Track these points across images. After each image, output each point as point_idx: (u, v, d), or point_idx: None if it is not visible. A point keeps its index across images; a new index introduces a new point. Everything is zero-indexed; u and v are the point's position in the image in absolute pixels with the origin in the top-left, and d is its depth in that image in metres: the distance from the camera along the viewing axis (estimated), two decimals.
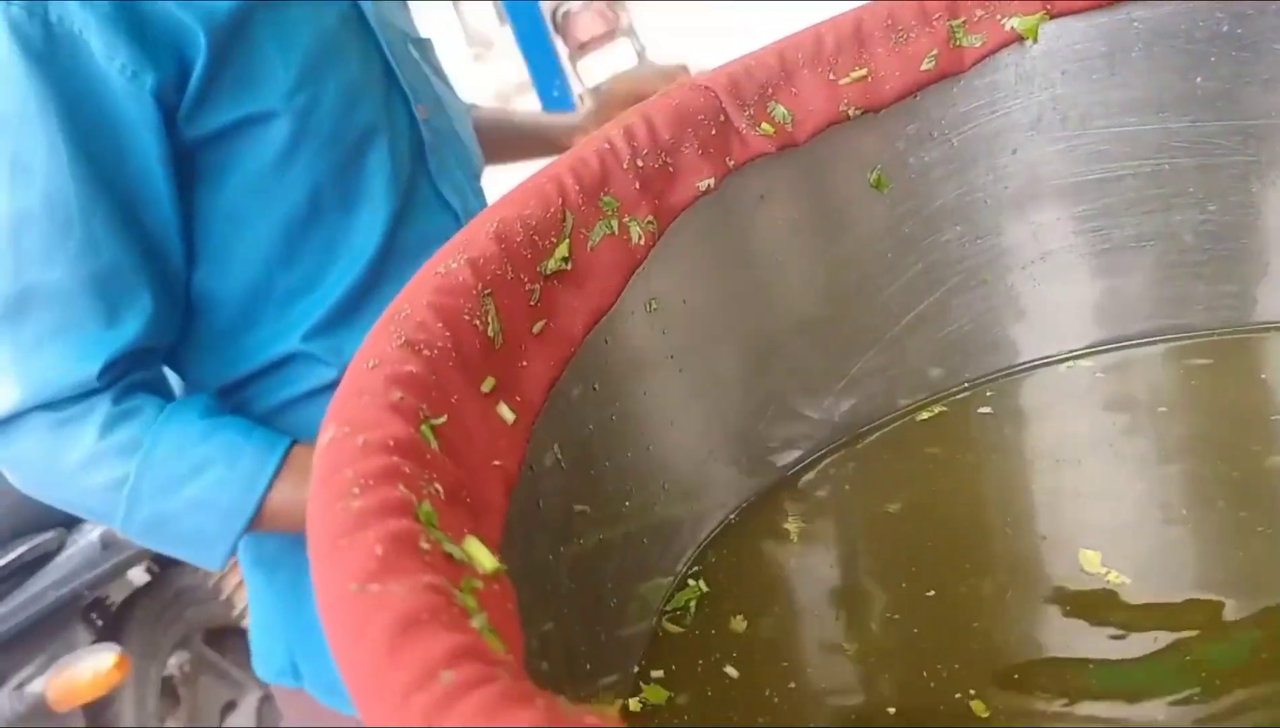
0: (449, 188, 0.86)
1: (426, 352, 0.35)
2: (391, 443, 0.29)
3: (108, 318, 0.68)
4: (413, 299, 0.37)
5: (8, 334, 0.68)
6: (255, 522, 0.70)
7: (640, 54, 4.75)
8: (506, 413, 0.38)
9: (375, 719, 0.18)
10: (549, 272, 0.44)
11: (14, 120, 0.67)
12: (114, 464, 0.68)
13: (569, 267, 0.45)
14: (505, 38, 5.91)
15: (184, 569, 1.78)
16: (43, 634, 1.51)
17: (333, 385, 0.78)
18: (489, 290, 0.40)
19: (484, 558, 0.26)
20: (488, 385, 0.38)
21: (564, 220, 0.46)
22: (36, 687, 1.42)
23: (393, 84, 0.83)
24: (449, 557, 0.25)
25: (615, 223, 0.48)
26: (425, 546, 0.25)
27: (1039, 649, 0.42)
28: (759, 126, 0.53)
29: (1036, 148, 0.57)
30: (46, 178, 0.67)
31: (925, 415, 0.56)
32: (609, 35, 4.71)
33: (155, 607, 1.74)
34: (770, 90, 0.54)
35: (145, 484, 0.68)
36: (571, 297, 0.45)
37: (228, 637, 1.88)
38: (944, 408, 0.56)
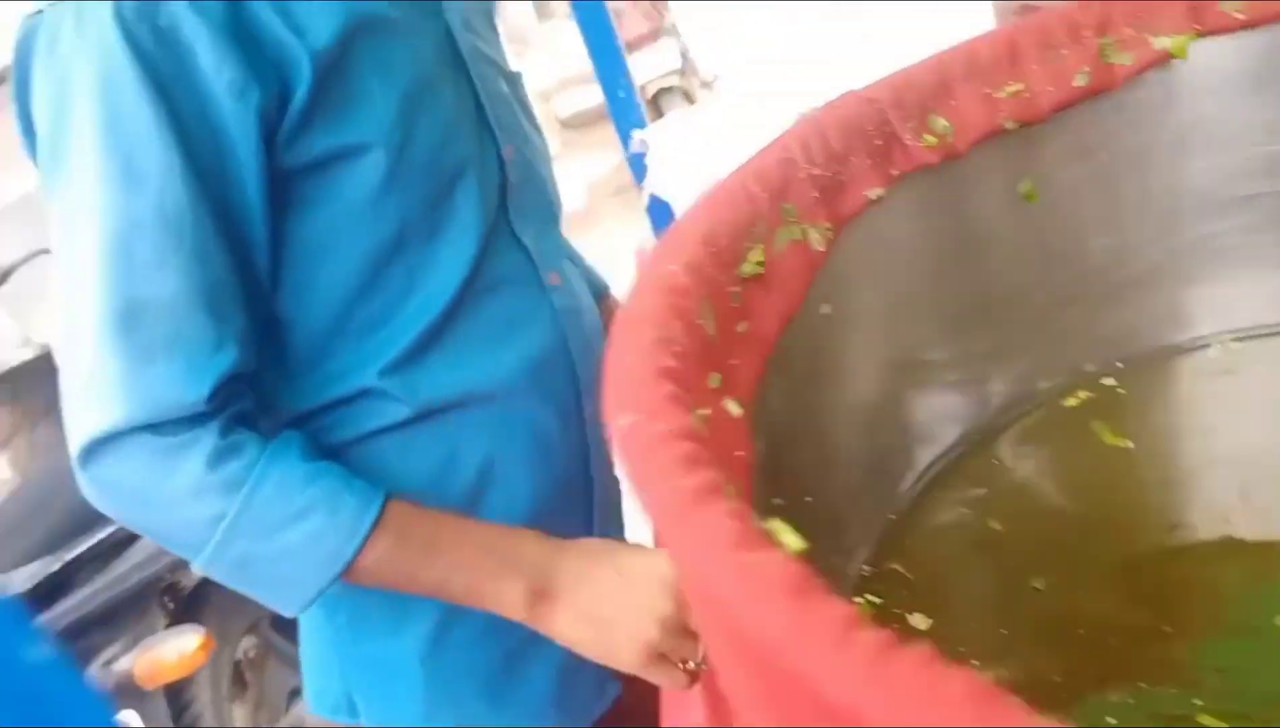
0: (524, 228, 0.84)
1: (676, 348, 0.37)
2: (683, 431, 0.31)
3: (216, 337, 0.67)
4: (650, 299, 0.40)
5: (116, 347, 0.65)
6: (344, 573, 0.69)
7: (684, 54, 4.77)
8: (734, 407, 0.40)
9: (811, 662, 0.21)
10: (746, 275, 0.47)
11: (128, 123, 0.65)
12: (216, 500, 0.66)
13: (762, 270, 0.48)
14: (542, 36, 5.93)
15: None
16: (125, 615, 1.54)
17: (402, 426, 0.77)
18: (705, 292, 0.43)
19: (791, 539, 0.29)
20: (714, 381, 0.40)
21: (755, 226, 0.49)
22: (124, 664, 1.45)
23: (483, 120, 0.81)
24: (765, 533, 0.28)
25: (797, 229, 0.50)
26: (754, 523, 0.27)
27: None
28: (922, 137, 0.55)
29: (1183, 164, 0.59)
30: (160, 184, 0.65)
31: (1074, 401, 0.59)
32: (653, 34, 4.73)
33: (227, 591, 1.77)
34: (931, 103, 0.56)
35: (243, 524, 0.66)
36: (765, 299, 0.47)
37: (295, 624, 1.91)
38: (1091, 393, 0.59)
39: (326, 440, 0.77)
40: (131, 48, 0.64)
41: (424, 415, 0.77)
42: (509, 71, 0.90)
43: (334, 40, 0.70)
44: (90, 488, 0.68)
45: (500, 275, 0.81)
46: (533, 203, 0.87)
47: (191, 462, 0.66)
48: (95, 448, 0.65)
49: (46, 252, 0.77)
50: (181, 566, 1.67)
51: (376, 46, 0.73)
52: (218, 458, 0.66)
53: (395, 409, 0.77)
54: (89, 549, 1.54)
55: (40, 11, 0.67)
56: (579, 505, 0.87)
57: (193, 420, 0.66)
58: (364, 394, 0.76)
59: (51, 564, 1.56)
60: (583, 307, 0.88)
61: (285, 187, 0.71)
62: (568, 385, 0.85)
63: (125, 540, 1.59)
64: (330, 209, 0.73)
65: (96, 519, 1.54)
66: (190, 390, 0.66)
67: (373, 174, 0.72)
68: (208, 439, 0.66)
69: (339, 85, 0.71)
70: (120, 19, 0.64)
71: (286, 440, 0.71)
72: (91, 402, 0.66)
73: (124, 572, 1.56)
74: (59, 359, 0.69)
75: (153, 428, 0.65)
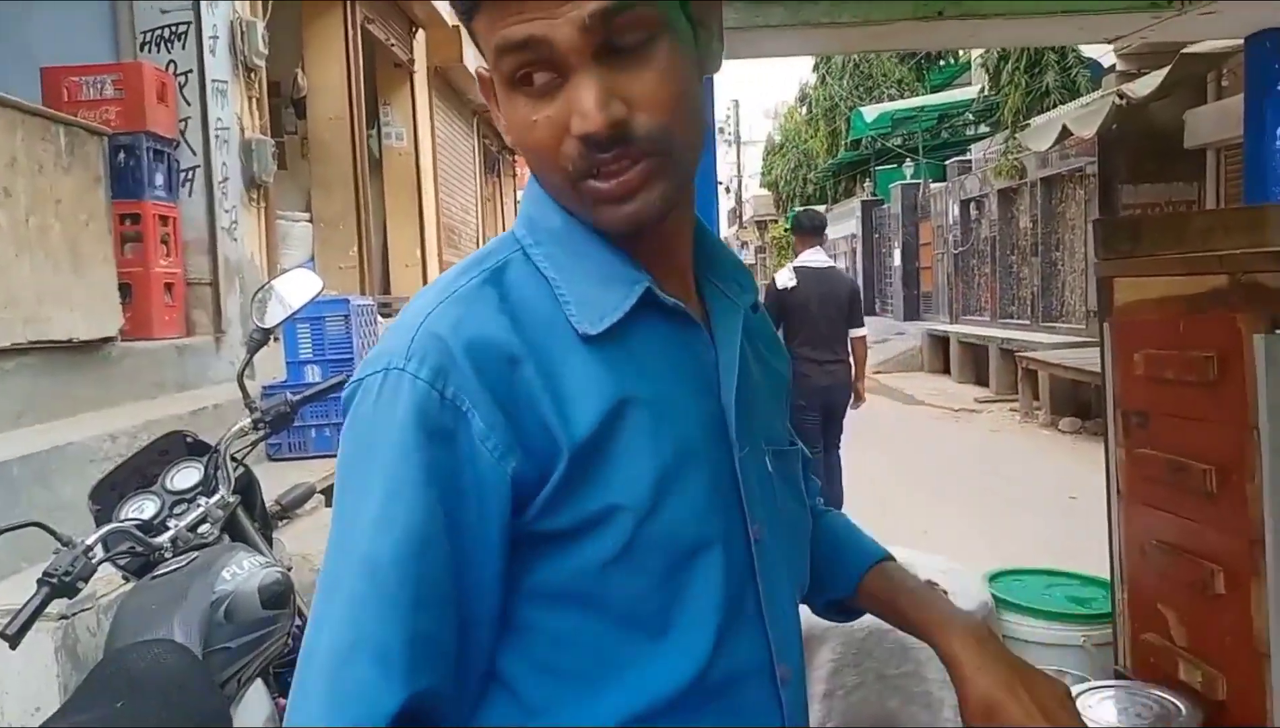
0: (772, 614, 0.82)
1: None
2: None
3: (408, 677, 0.69)
4: None
5: (328, 682, 0.69)
6: None
7: None
8: None
9: None
10: None
11: (389, 477, 0.71)
12: None
13: None
14: None
15: None
16: None
17: None
18: None
19: None
20: None
21: None
22: None
23: (736, 496, 0.81)
24: None
25: None
26: None
27: None
28: None
29: None
30: (401, 534, 0.70)
31: None
32: None
33: None
34: None
35: None
36: None
37: None
38: None
39: None
40: (418, 414, 0.71)
41: None
42: (783, 448, 0.90)
43: (595, 427, 0.74)
44: None
45: (735, 669, 0.79)
46: (780, 585, 0.85)
47: None
48: None
49: None
50: None
51: (641, 421, 0.76)
52: None
53: None
54: None
55: (362, 379, 0.75)
56: None
57: None
58: None
59: None
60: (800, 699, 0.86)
61: (529, 546, 0.74)
62: None
63: None
64: (565, 568, 0.74)
65: None
66: None
67: (614, 541, 0.74)
68: None
69: (597, 463, 0.74)
70: (415, 386, 0.71)
71: None
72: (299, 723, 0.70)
73: None
74: (299, 664, 0.73)
75: None
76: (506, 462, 0.72)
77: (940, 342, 14.16)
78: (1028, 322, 11.88)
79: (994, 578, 1.71)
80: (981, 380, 12.62)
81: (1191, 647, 1.26)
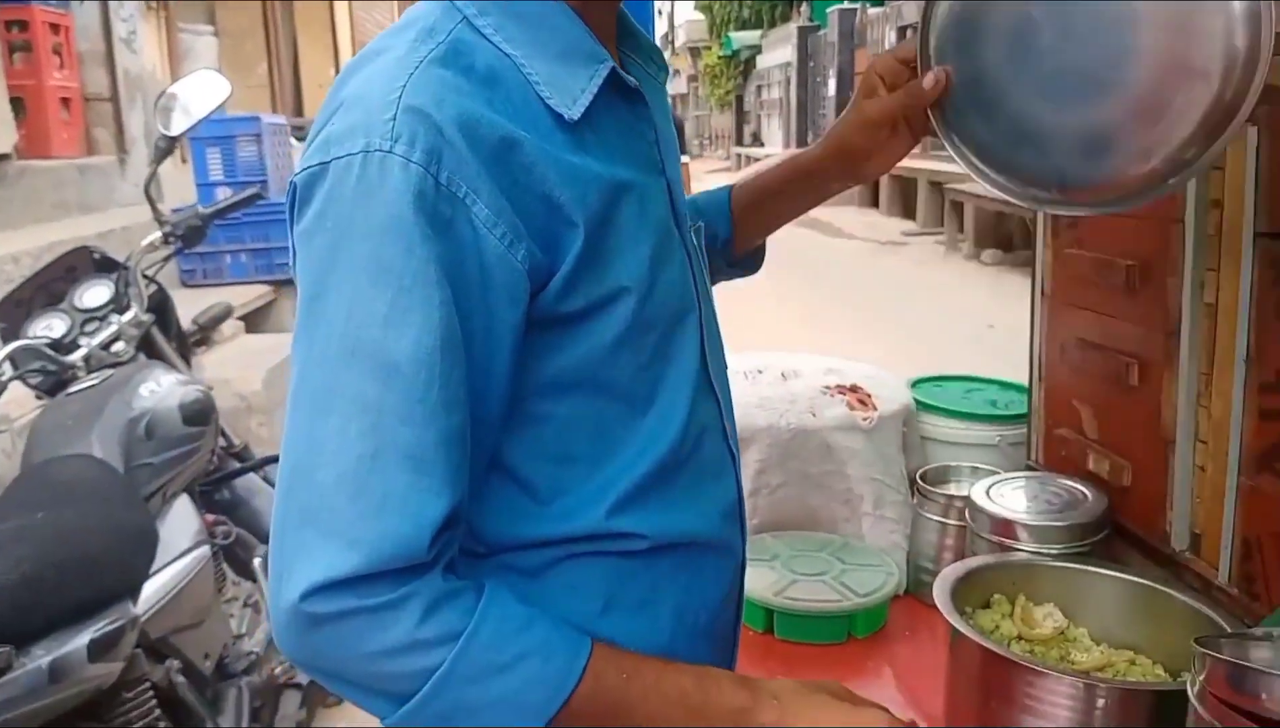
0: (716, 374, 0.87)
1: None
2: None
3: (448, 488, 0.66)
4: None
5: (351, 494, 0.64)
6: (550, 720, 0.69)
7: None
8: None
9: None
10: None
11: (397, 271, 0.65)
12: (429, 654, 0.66)
13: None
14: None
15: None
16: None
17: (619, 563, 0.78)
18: None
19: None
20: None
21: None
22: None
23: (689, 269, 0.85)
24: None
25: None
26: None
27: None
28: None
29: None
30: (418, 332, 0.65)
31: None
32: None
33: None
34: None
35: (457, 673, 0.66)
36: None
37: None
38: None
39: (527, 575, 0.77)
40: (416, 201, 0.65)
41: (634, 554, 0.79)
42: (698, 223, 0.95)
43: (600, 210, 0.72)
44: (295, 632, 0.66)
45: (704, 423, 0.84)
46: (717, 351, 0.90)
47: (407, 617, 0.65)
48: (314, 594, 0.64)
49: None
50: (44, 716, 1.49)
51: (632, 204, 0.76)
52: (433, 609, 0.66)
53: (614, 549, 0.78)
54: None
55: (325, 163, 0.67)
56: (730, 645, 0.93)
57: (413, 571, 0.65)
58: (588, 535, 0.77)
59: None
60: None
61: (540, 333, 0.72)
62: (739, 536, 0.90)
63: None
64: (574, 354, 0.74)
65: None
66: (416, 544, 0.65)
67: (620, 320, 0.74)
68: (425, 592, 0.66)
69: (604, 242, 0.73)
70: (409, 171, 0.65)
71: (497, 588, 0.71)
72: (316, 545, 0.64)
73: None
74: (283, 490, 0.67)
75: (372, 578, 0.64)
76: (516, 250, 0.68)
77: None
78: None
79: (916, 384, 1.75)
80: (909, 214, 12.74)
81: (1102, 439, 1.31)
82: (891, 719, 0.75)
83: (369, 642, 0.65)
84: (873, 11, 16.11)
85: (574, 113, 0.72)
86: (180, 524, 2.03)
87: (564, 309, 0.72)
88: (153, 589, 1.82)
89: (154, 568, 1.84)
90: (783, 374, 1.65)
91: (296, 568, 0.65)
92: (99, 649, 1.55)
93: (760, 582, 1.41)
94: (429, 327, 0.65)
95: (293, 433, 0.67)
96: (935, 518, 1.44)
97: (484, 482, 0.75)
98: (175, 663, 1.88)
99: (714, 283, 1.09)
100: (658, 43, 1.03)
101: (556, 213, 0.70)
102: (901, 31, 14.07)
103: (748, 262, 1.17)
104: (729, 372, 0.94)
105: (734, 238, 1.13)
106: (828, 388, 1.59)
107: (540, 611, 0.72)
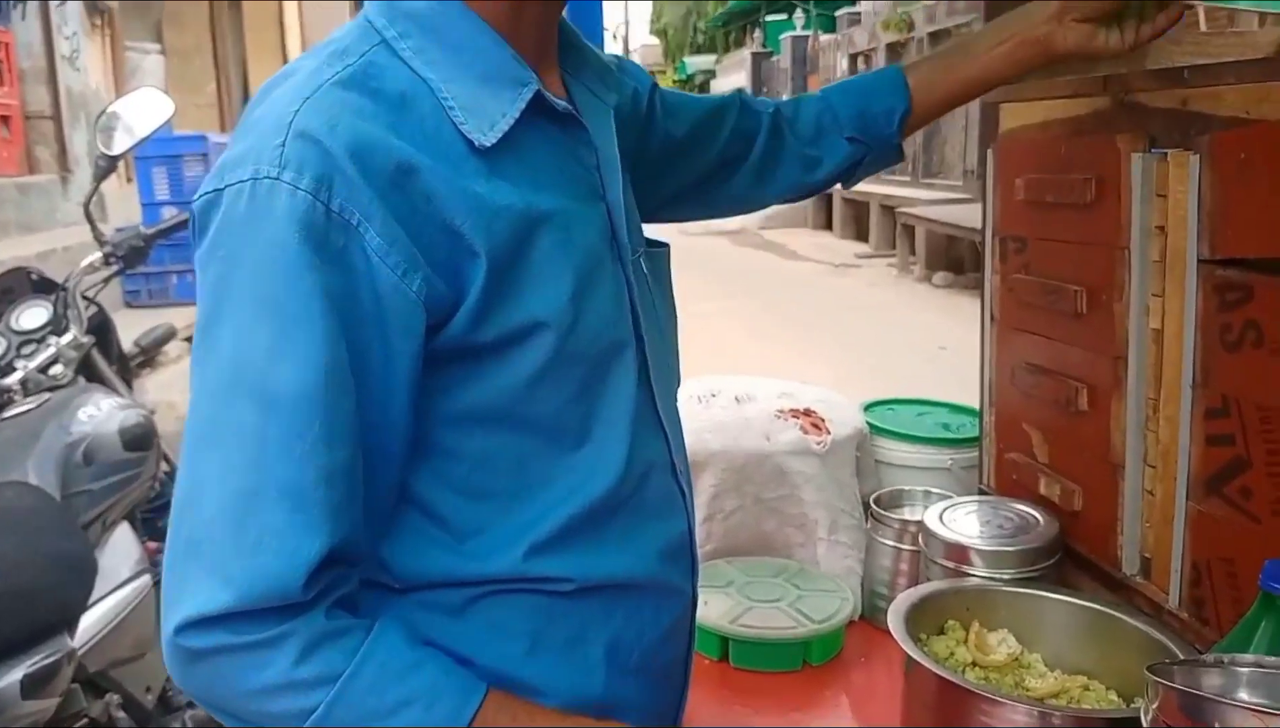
0: (665, 411, 0.85)
1: None
2: None
3: (327, 526, 0.64)
4: None
5: (229, 530, 0.63)
6: None
7: None
8: None
9: None
10: None
11: (281, 302, 0.63)
12: (305, 695, 0.64)
13: None
14: None
15: None
16: None
17: (538, 603, 0.74)
18: None
19: None
20: None
21: None
22: None
23: (628, 299, 0.81)
24: None
25: None
26: None
27: None
28: None
29: None
30: (300, 366, 0.63)
31: None
32: None
33: None
34: None
35: (335, 717, 0.64)
36: None
37: None
38: None
39: (448, 613, 0.75)
40: (302, 230, 0.63)
41: (560, 595, 0.76)
42: (658, 248, 0.90)
43: (508, 242, 0.69)
44: (176, 666, 0.65)
45: (650, 460, 0.81)
46: (667, 385, 0.87)
47: (282, 657, 0.64)
48: (188, 628, 0.63)
49: None
50: None
51: (552, 233, 0.73)
52: (312, 649, 0.64)
53: (532, 589, 0.76)
54: None
55: (219, 190, 0.66)
56: (677, 680, 0.90)
57: (290, 611, 0.64)
58: (506, 576, 0.75)
59: None
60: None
61: (451, 365, 0.70)
62: (687, 574, 0.87)
63: None
64: (486, 390, 0.71)
65: None
66: (291, 582, 0.63)
67: (540, 351, 0.72)
68: (304, 631, 0.64)
69: (515, 274, 0.70)
70: (295, 198, 0.63)
71: (385, 629, 0.68)
72: (195, 579, 0.63)
73: None
74: (173, 522, 0.66)
75: (247, 616, 0.63)
76: (410, 280, 0.66)
77: (824, 198, 14.33)
78: (908, 178, 12.09)
79: (869, 408, 1.76)
80: (862, 236, 12.89)
81: (1052, 463, 1.32)
82: None
83: (246, 680, 0.64)
84: (824, 38, 16.35)
85: (488, 139, 0.70)
86: (120, 553, 1.97)
87: (476, 341, 0.70)
88: (91, 621, 1.77)
89: (92, 599, 1.79)
90: (736, 398, 1.64)
91: (178, 601, 0.64)
92: (33, 685, 1.50)
93: (715, 609, 1.39)
94: (312, 360, 0.64)
95: (183, 464, 0.66)
96: (890, 543, 1.44)
97: (395, 516, 0.73)
98: (115, 698, 1.82)
99: (853, 182, 1.11)
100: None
101: (458, 242, 0.68)
102: (853, 59, 14.29)
103: (899, 149, 1.13)
104: (681, 397, 0.92)
105: (912, 111, 1.10)
106: (781, 412, 1.58)
107: (434, 654, 0.70)
